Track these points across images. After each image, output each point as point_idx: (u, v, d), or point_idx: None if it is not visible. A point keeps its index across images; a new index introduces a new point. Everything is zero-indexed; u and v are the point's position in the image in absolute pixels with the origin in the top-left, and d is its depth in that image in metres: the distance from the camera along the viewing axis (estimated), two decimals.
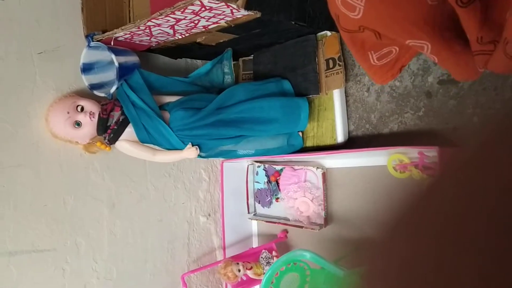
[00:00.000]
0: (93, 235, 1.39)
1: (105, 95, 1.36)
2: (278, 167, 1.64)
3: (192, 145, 1.37)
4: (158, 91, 1.40)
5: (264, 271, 1.55)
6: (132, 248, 1.47)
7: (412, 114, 1.32)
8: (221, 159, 1.70)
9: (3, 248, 1.22)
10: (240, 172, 1.72)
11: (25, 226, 1.26)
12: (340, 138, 1.42)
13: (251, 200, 1.73)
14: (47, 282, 1.29)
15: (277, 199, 1.66)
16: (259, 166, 1.70)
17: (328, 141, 1.44)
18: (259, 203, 1.72)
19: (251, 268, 1.55)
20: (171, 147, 1.38)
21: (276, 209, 1.66)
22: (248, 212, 1.72)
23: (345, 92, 1.46)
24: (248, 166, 1.71)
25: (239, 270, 1.53)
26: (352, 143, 1.44)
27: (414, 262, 0.32)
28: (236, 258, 1.60)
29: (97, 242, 1.40)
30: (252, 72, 1.62)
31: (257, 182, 1.72)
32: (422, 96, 1.29)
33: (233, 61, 1.58)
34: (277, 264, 1.23)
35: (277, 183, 1.65)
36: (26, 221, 1.26)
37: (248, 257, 1.63)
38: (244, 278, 1.59)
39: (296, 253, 1.25)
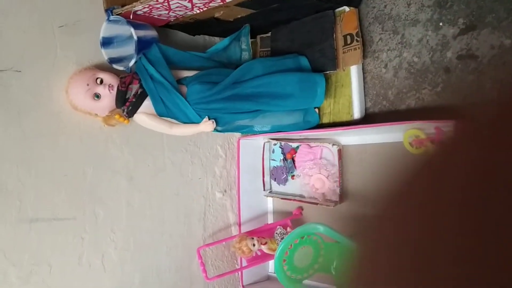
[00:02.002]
0: (111, 206, 1.42)
1: (124, 69, 1.38)
2: (294, 145, 1.64)
3: (209, 119, 1.38)
4: (176, 65, 1.42)
5: None
6: (149, 220, 1.50)
7: (430, 90, 1.31)
8: (238, 136, 1.72)
9: (25, 215, 1.25)
10: (256, 150, 1.73)
11: (46, 194, 1.29)
12: (357, 114, 1.42)
13: (267, 178, 1.74)
14: (66, 249, 1.33)
15: (292, 176, 1.67)
16: (275, 144, 1.71)
17: (345, 118, 1.44)
18: (274, 180, 1.73)
19: (265, 243, 1.57)
20: (188, 121, 1.39)
21: (292, 186, 1.67)
22: (264, 190, 1.73)
23: (363, 68, 1.45)
24: (264, 143, 1.72)
25: (254, 245, 1.55)
26: (369, 120, 1.43)
27: (421, 235, 0.31)
28: (251, 233, 1.61)
29: (115, 213, 1.43)
30: (269, 49, 1.62)
31: (273, 159, 1.73)
32: (441, 72, 1.28)
33: (250, 38, 1.58)
34: (291, 236, 1.24)
35: (293, 160, 1.66)
36: (46, 190, 1.29)
37: (263, 233, 1.65)
38: (259, 253, 1.61)
39: (310, 226, 1.26)
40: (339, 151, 1.49)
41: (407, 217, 0.32)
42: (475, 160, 0.28)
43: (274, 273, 1.74)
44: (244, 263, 1.65)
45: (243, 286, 1.69)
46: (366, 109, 1.45)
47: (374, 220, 0.39)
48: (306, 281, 1.31)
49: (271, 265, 1.77)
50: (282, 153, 1.69)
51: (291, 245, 1.24)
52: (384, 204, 0.38)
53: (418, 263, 0.29)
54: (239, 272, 1.69)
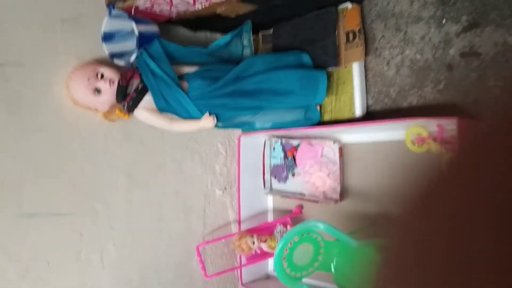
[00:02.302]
0: (110, 202, 1.41)
1: (125, 64, 1.38)
2: (295, 142, 1.64)
3: (210, 115, 1.38)
4: (177, 60, 1.41)
5: None
6: (148, 217, 1.49)
7: (432, 88, 1.30)
8: (238, 133, 1.71)
9: (23, 210, 1.24)
10: (257, 147, 1.72)
11: (45, 189, 1.28)
12: (358, 111, 1.41)
13: (267, 176, 1.73)
14: (65, 245, 1.32)
15: (293, 174, 1.66)
16: (276, 141, 1.70)
17: (346, 115, 1.43)
18: (275, 178, 1.72)
19: (265, 241, 1.56)
20: (189, 116, 1.39)
21: (292, 184, 1.66)
22: (264, 187, 1.72)
23: (365, 66, 1.45)
24: (265, 141, 1.71)
25: (254, 243, 1.54)
26: (370, 117, 1.42)
27: (431, 238, 0.31)
28: (250, 231, 1.61)
29: (114, 210, 1.42)
30: (271, 46, 1.61)
31: (274, 157, 1.72)
32: (443, 69, 1.27)
33: (252, 34, 1.57)
34: (291, 234, 1.24)
35: (294, 158, 1.65)
36: (45, 185, 1.28)
37: (263, 231, 1.64)
38: (258, 251, 1.60)
39: (310, 224, 1.25)
40: (340, 149, 1.48)
41: (432, 221, 0.32)
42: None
43: (274, 271, 1.74)
44: (244, 261, 1.64)
45: (242, 284, 1.68)
46: (367, 106, 1.45)
47: (398, 222, 0.38)
48: (305, 280, 1.30)
49: (270, 263, 1.76)
50: (283, 150, 1.68)
51: (291, 243, 1.23)
52: (409, 208, 0.37)
53: (451, 268, 0.28)
54: (238, 270, 1.68)
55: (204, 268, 1.48)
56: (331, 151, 1.51)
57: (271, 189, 1.72)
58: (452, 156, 0.36)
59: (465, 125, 1.09)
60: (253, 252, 1.58)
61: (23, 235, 1.24)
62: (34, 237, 1.26)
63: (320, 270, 1.28)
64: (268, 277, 1.76)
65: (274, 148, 1.72)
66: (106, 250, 1.40)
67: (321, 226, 1.24)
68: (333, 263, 1.28)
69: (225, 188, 1.71)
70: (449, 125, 1.19)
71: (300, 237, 1.24)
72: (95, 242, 1.38)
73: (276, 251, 1.22)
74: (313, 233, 1.26)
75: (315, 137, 1.57)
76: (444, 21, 1.26)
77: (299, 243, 1.25)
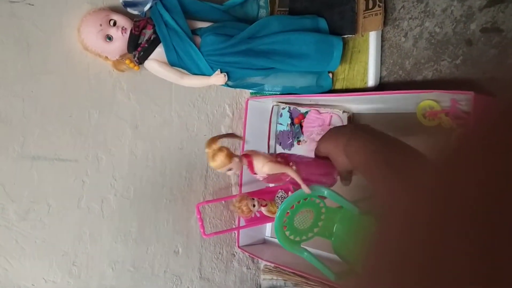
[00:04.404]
0: (114, 152, 1.40)
1: (138, 13, 1.35)
2: (303, 110, 1.62)
3: (221, 72, 1.36)
4: (191, 15, 1.38)
5: None
6: (151, 171, 1.49)
7: (449, 62, 1.28)
8: (247, 96, 1.69)
9: (27, 151, 1.24)
10: (264, 112, 1.71)
11: (50, 133, 1.27)
12: (371, 82, 1.39)
13: (272, 142, 1.72)
14: (66, 191, 1.32)
15: (298, 141, 1.65)
16: (283, 108, 1.68)
17: (358, 84, 1.42)
18: (280, 145, 1.71)
19: (265, 205, 1.56)
20: (199, 72, 1.37)
21: (297, 151, 1.65)
22: (268, 153, 1.71)
23: (382, 36, 1.42)
24: (273, 106, 1.70)
25: (254, 205, 1.54)
26: (382, 89, 1.41)
27: (438, 213, 0.29)
28: (251, 194, 1.60)
29: (118, 160, 1.41)
30: (287, 9, 1.58)
31: (280, 124, 1.71)
32: (462, 44, 1.25)
33: None
34: (293, 197, 1.23)
35: (301, 125, 1.64)
36: (51, 128, 1.27)
37: (264, 195, 1.63)
38: (258, 215, 1.60)
39: (313, 188, 1.24)
40: (349, 118, 1.47)
41: (439, 195, 0.30)
42: None
43: (272, 236, 1.75)
44: (242, 223, 1.64)
45: (238, 246, 1.69)
46: (380, 78, 1.42)
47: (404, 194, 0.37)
48: (304, 246, 1.29)
49: (268, 229, 1.77)
50: (290, 117, 1.67)
51: (293, 206, 1.23)
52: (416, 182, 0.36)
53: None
54: (236, 232, 1.68)
55: (202, 226, 1.48)
56: (340, 120, 1.50)
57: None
58: (464, 131, 0.35)
59: (481, 101, 1.08)
60: (253, 215, 1.58)
61: (26, 177, 1.24)
62: (37, 179, 1.26)
63: (319, 236, 1.28)
64: (265, 242, 1.77)
65: (281, 114, 1.71)
66: (107, 200, 1.40)
67: (325, 191, 1.23)
68: (333, 229, 1.28)
69: None
70: (464, 100, 1.17)
71: (303, 201, 1.24)
72: (96, 191, 1.38)
73: (277, 213, 1.21)
74: (316, 198, 1.25)
75: (325, 106, 1.55)
76: None
77: (301, 207, 1.25)
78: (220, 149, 1.04)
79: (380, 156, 0.91)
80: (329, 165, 1.24)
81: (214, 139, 1.05)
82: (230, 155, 1.04)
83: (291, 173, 1.10)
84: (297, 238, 1.26)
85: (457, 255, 0.26)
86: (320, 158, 1.22)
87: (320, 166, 1.24)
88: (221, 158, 1.03)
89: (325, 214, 1.27)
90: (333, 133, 1.14)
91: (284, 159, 1.18)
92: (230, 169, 1.07)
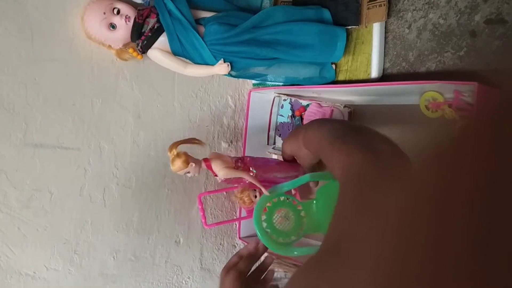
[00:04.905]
0: (116, 141, 1.40)
1: (142, 2, 1.35)
2: (304, 102, 1.62)
3: (224, 62, 1.35)
4: (195, 4, 1.38)
5: None
6: (153, 161, 1.49)
7: (453, 54, 1.28)
8: (249, 88, 1.69)
9: (30, 139, 1.24)
10: (266, 104, 1.71)
11: (53, 120, 1.27)
12: (375, 73, 1.39)
13: (272, 133, 1.72)
14: (69, 179, 1.32)
15: None
16: (285, 100, 1.68)
17: (362, 76, 1.41)
18: (279, 136, 1.71)
19: None
20: (203, 62, 1.37)
21: None
22: (268, 144, 1.71)
23: (385, 27, 1.42)
24: (274, 97, 1.69)
25: (256, 196, 1.54)
26: (385, 80, 1.40)
27: (439, 205, 0.29)
28: (253, 186, 1.60)
29: (120, 149, 1.41)
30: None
31: (280, 115, 1.71)
32: (466, 35, 1.25)
33: None
34: (259, 202, 1.17)
35: (302, 118, 1.63)
36: (53, 116, 1.27)
37: (265, 187, 1.63)
38: None
39: (275, 188, 1.20)
40: (350, 113, 1.47)
41: (440, 186, 0.30)
42: None
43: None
44: (244, 214, 1.64)
45: (239, 237, 1.69)
46: (384, 69, 1.42)
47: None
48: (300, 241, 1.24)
49: None
50: (291, 109, 1.67)
51: (265, 208, 1.19)
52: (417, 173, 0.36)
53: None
54: (237, 223, 1.69)
55: (204, 217, 1.48)
56: (340, 114, 1.50)
57: (274, 146, 1.71)
58: (466, 122, 0.34)
59: (484, 92, 1.08)
60: (254, 206, 1.58)
61: (28, 164, 1.24)
62: (39, 167, 1.26)
63: (309, 232, 1.22)
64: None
65: (282, 106, 1.71)
66: (109, 189, 1.40)
67: (284, 187, 1.19)
68: (320, 221, 1.21)
69: (231, 142, 1.70)
70: (467, 91, 1.17)
71: (272, 202, 1.20)
72: (98, 180, 1.38)
73: (254, 222, 1.17)
74: (284, 196, 1.20)
75: (326, 99, 1.55)
76: None
77: (274, 208, 1.20)
78: (178, 154, 1.15)
79: (334, 133, 0.94)
80: (294, 166, 1.27)
81: (174, 145, 1.15)
82: (187, 161, 1.15)
83: (248, 177, 1.21)
84: (287, 240, 1.20)
85: (453, 250, 0.26)
86: (289, 161, 1.27)
87: (284, 167, 1.30)
88: (178, 163, 1.15)
89: (303, 210, 1.21)
90: (292, 132, 1.19)
91: (245, 164, 1.26)
92: (188, 172, 1.18)
